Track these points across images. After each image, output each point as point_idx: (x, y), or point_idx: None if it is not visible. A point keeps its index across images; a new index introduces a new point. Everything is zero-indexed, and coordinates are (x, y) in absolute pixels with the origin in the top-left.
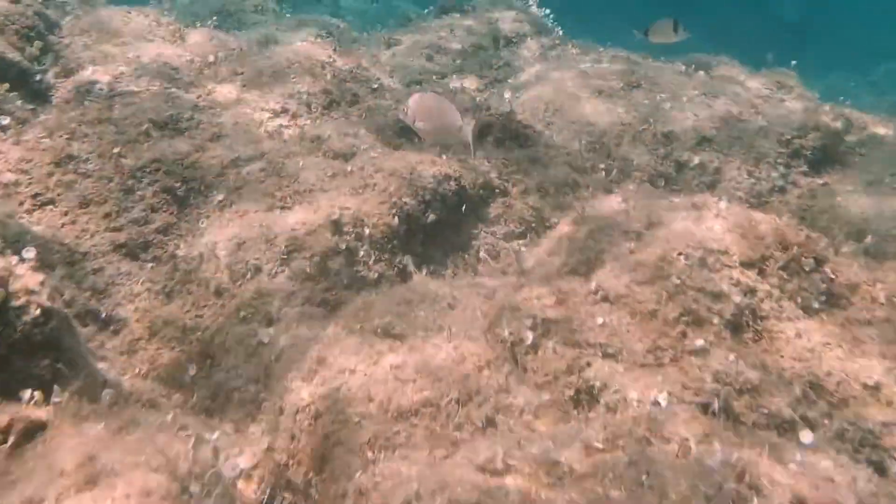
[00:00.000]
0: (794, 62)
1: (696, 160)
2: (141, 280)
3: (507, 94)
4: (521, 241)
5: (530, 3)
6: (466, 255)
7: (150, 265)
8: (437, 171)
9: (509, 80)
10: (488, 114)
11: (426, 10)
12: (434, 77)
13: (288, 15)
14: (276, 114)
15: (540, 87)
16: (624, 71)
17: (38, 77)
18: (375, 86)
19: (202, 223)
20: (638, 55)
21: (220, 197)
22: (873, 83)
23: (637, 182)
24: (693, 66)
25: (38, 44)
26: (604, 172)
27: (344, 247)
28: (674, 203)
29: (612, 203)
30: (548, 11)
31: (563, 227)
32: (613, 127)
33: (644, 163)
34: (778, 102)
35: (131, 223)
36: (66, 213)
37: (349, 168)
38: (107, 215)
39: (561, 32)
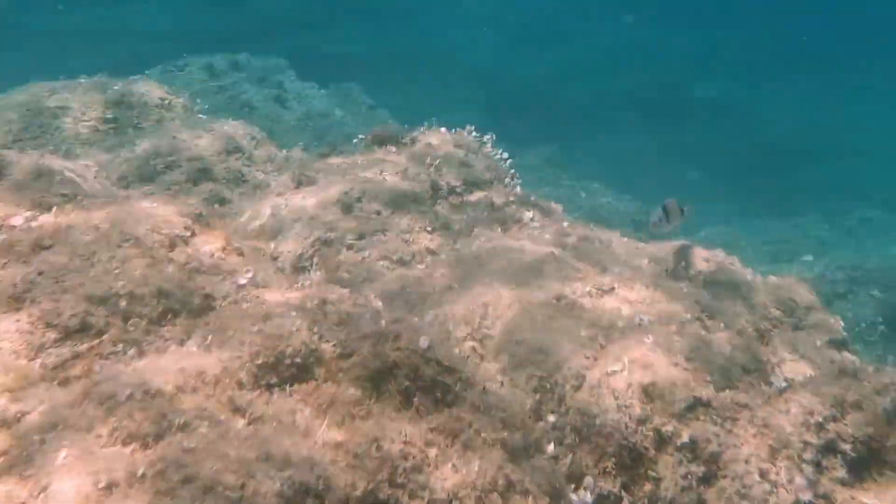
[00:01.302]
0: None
1: (686, 436)
2: None
3: (429, 315)
4: None
5: (486, 140)
6: None
7: None
8: None
9: (450, 257)
10: (395, 346)
11: (356, 140)
12: (348, 239)
13: (202, 116)
14: (66, 334)
15: (480, 275)
16: (592, 265)
17: None
18: (243, 281)
19: None
20: (612, 233)
21: None
22: (850, 230)
23: (599, 469)
24: (681, 259)
25: None
26: (552, 445)
27: None
28: None
29: None
30: (506, 156)
31: None
32: (574, 360)
33: (611, 425)
34: (794, 335)
35: None
36: None
37: None
38: None
39: (519, 188)
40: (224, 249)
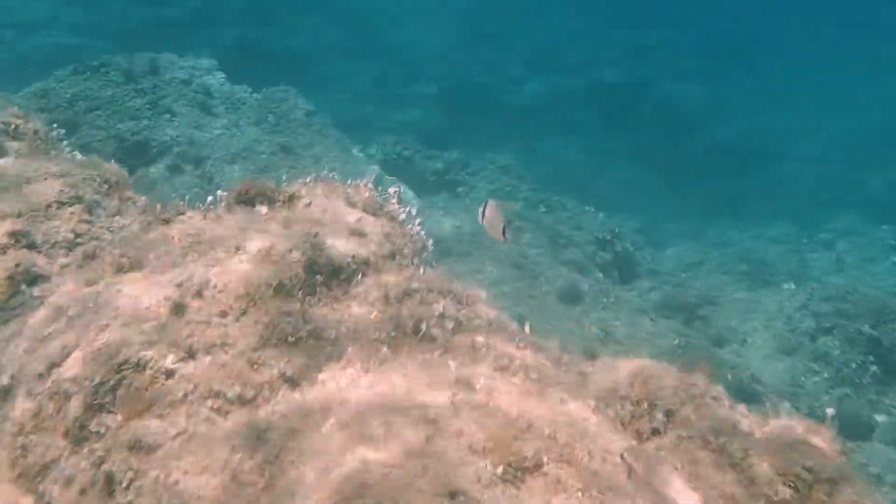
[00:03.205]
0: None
1: None
2: None
3: None
4: None
5: (390, 195)
6: None
7: None
8: None
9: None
10: None
11: (212, 197)
12: (170, 360)
13: (68, 150)
14: None
15: (344, 433)
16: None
17: None
18: None
19: None
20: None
21: None
22: (828, 245)
23: None
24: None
25: None
26: None
27: None
28: None
29: None
30: (414, 212)
31: None
32: None
33: None
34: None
35: None
36: None
37: None
38: None
39: (427, 267)
40: None
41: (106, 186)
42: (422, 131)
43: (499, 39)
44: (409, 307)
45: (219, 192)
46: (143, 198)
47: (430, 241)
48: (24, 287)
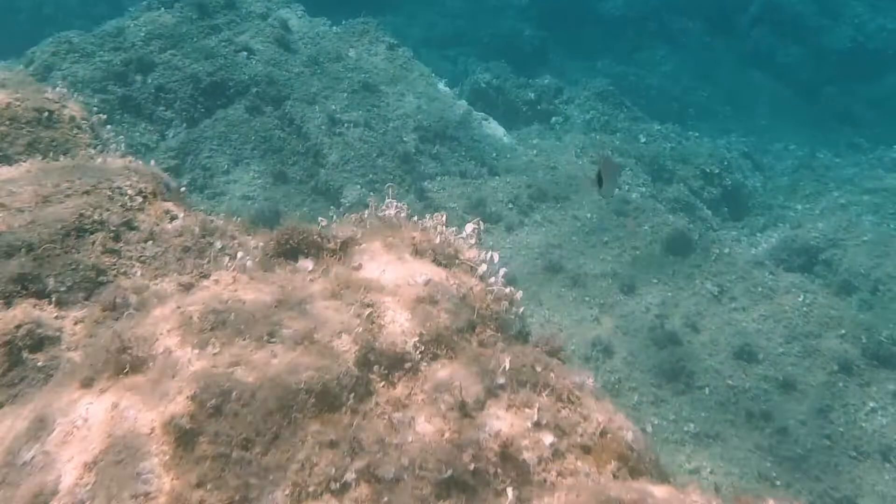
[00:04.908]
0: None
1: None
2: None
3: None
4: None
5: (467, 235)
6: None
7: None
8: None
9: None
10: None
11: (240, 253)
12: None
13: (111, 136)
14: None
15: None
16: None
17: None
18: None
19: None
20: None
21: None
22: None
23: None
24: None
25: None
26: None
27: None
28: None
29: None
30: (496, 258)
31: None
32: None
33: None
34: None
35: None
36: None
37: None
38: None
39: (517, 306)
40: None
41: (140, 199)
42: (513, 47)
43: None
44: (494, 416)
45: (253, 243)
46: (181, 213)
47: (519, 294)
48: (26, 355)
